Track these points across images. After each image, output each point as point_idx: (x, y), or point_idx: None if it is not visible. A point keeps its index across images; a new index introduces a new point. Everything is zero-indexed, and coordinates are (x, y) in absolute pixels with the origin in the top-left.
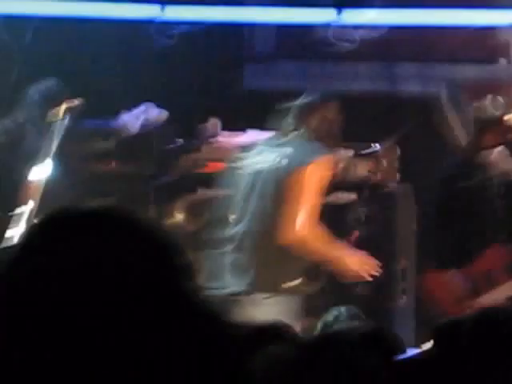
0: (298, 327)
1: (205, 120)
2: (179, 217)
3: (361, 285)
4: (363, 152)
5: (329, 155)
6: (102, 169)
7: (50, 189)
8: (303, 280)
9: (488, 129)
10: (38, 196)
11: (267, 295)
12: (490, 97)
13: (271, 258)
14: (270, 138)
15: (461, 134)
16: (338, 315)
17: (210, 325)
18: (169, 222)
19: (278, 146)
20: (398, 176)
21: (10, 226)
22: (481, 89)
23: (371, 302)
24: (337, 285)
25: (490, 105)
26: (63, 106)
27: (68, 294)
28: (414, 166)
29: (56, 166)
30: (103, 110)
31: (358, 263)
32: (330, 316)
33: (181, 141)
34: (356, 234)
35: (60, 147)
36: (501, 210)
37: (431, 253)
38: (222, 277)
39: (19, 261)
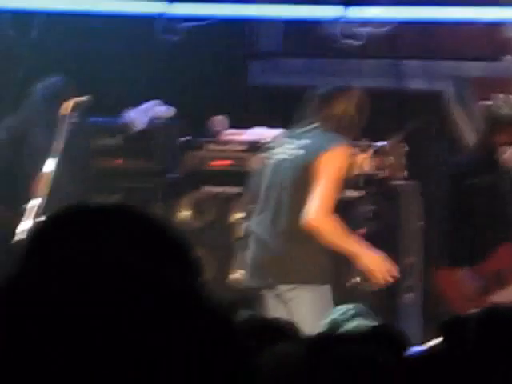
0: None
1: (211, 117)
2: (186, 213)
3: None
4: (370, 148)
5: (344, 145)
6: (109, 165)
7: (58, 184)
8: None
9: (501, 127)
10: (46, 191)
11: (292, 286)
12: (503, 95)
13: (294, 247)
14: (290, 131)
15: (468, 131)
16: (344, 313)
17: (214, 322)
18: (176, 218)
19: (297, 137)
20: (404, 173)
21: (20, 221)
22: (487, 85)
23: (378, 298)
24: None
25: (504, 103)
26: (70, 103)
27: (78, 291)
28: (421, 163)
29: (63, 162)
30: (110, 107)
31: (375, 264)
32: (336, 314)
33: (187, 137)
34: (363, 230)
35: (67, 143)
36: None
37: (442, 250)
38: (247, 269)
39: (28, 258)
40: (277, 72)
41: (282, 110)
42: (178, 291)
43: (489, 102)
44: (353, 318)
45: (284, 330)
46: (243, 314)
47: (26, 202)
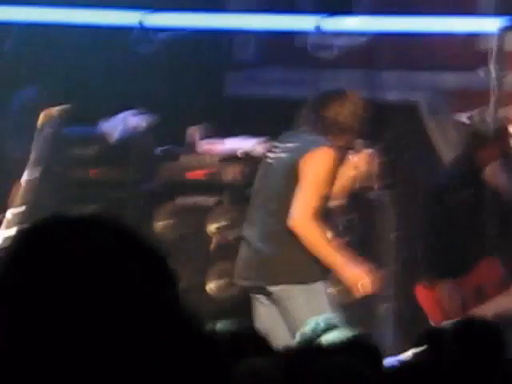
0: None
1: (188, 127)
2: (162, 224)
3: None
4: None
5: (328, 147)
6: (85, 175)
7: (35, 195)
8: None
9: (485, 143)
10: (23, 201)
11: (285, 287)
12: (484, 109)
13: (284, 248)
14: (282, 136)
15: (443, 142)
16: (315, 327)
17: (190, 334)
18: (152, 228)
19: (284, 141)
20: (379, 184)
21: None
22: (463, 97)
23: (353, 308)
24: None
25: (487, 118)
26: (47, 113)
27: (55, 302)
28: (397, 174)
29: (40, 173)
30: (87, 117)
31: (355, 279)
32: (307, 328)
33: (164, 148)
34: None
35: (44, 154)
36: (494, 224)
37: (421, 263)
38: (239, 272)
39: (5, 268)
40: (253, 82)
41: (258, 120)
42: (154, 302)
43: (469, 115)
44: (329, 330)
45: (260, 342)
46: (220, 325)
47: (5, 210)
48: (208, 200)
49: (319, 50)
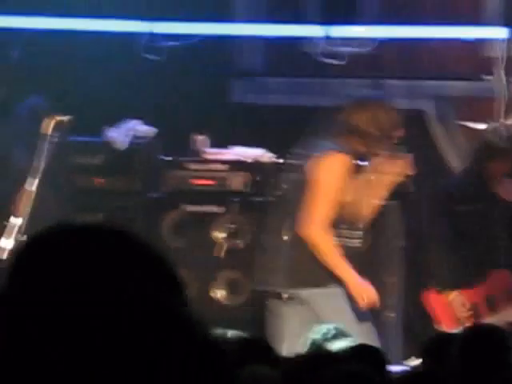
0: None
1: (193, 136)
2: (168, 232)
3: None
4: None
5: (338, 152)
6: (90, 184)
7: (39, 204)
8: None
9: (497, 157)
10: (27, 211)
11: (305, 290)
12: (498, 122)
13: (302, 252)
14: (301, 142)
15: (450, 151)
16: (326, 333)
17: (196, 341)
18: (158, 237)
19: (303, 148)
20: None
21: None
22: (469, 105)
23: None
24: None
25: (501, 131)
26: (52, 122)
27: (61, 311)
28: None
29: (45, 182)
30: (92, 126)
31: (360, 293)
32: (317, 334)
33: (169, 157)
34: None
35: (49, 163)
36: (505, 236)
37: (431, 272)
38: (261, 275)
39: (11, 278)
40: (259, 91)
41: (264, 128)
42: (160, 310)
43: (481, 127)
44: (335, 338)
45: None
46: (224, 333)
47: (9, 219)
48: (214, 208)
49: (325, 58)
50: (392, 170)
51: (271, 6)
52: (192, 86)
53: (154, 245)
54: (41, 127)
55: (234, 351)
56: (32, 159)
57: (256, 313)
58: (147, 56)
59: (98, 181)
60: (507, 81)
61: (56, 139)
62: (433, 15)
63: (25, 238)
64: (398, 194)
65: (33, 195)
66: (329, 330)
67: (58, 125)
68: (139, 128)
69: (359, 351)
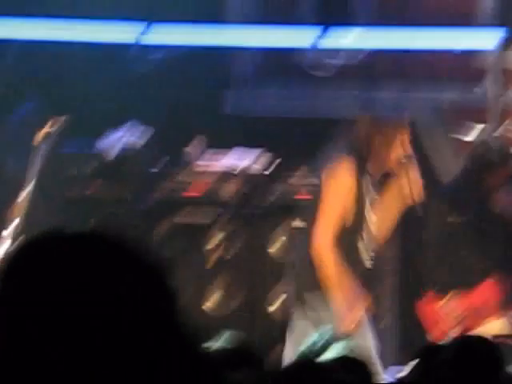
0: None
1: (188, 144)
2: (161, 239)
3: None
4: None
5: (340, 164)
6: (82, 193)
7: (32, 212)
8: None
9: (492, 169)
10: (19, 216)
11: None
12: (493, 135)
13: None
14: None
15: (440, 160)
16: (315, 341)
17: (188, 348)
18: (150, 244)
19: (313, 163)
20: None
21: None
22: (460, 115)
23: None
24: None
25: (495, 143)
26: (45, 130)
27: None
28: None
29: (38, 189)
30: (85, 134)
31: (341, 317)
32: (312, 341)
33: (163, 165)
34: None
35: (42, 170)
36: (499, 246)
37: (424, 279)
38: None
39: (2, 284)
40: (252, 100)
41: (256, 138)
42: (152, 317)
43: (474, 138)
44: (329, 345)
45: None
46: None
47: (3, 226)
48: (206, 216)
49: (317, 69)
50: (401, 193)
51: (265, 12)
52: (185, 95)
53: (146, 253)
54: (33, 134)
55: (222, 361)
56: (25, 166)
57: (246, 322)
58: (140, 65)
59: (90, 190)
60: (498, 92)
61: (47, 148)
62: (428, 18)
63: (16, 244)
64: (406, 216)
65: (24, 203)
66: (318, 337)
67: (49, 134)
68: (132, 136)
69: (345, 363)
